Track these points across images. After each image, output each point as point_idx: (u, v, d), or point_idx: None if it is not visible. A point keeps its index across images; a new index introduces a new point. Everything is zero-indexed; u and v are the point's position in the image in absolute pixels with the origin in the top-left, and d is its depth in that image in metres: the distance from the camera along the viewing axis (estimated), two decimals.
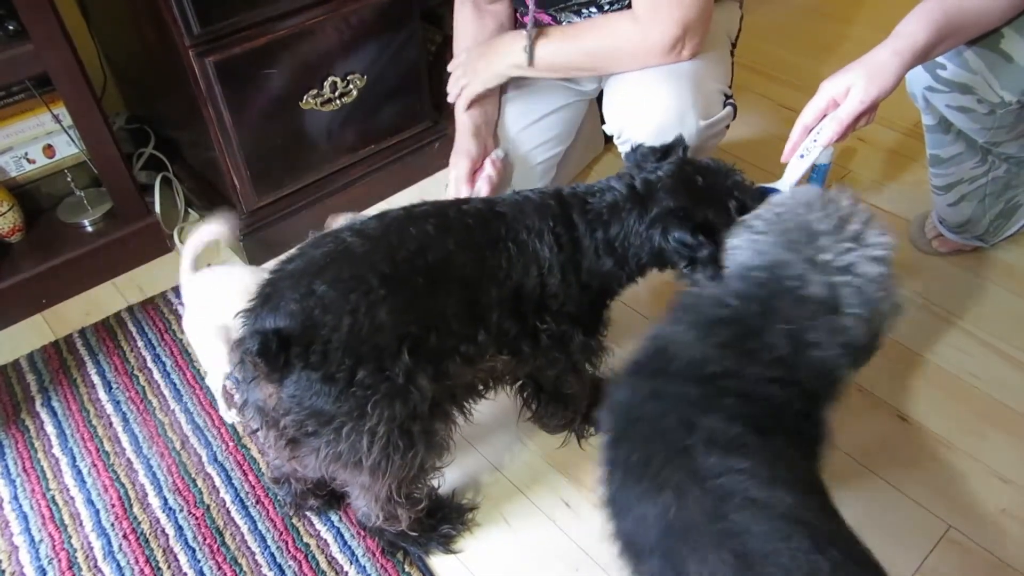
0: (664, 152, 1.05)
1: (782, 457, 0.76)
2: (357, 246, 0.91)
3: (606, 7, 1.23)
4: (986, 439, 1.25)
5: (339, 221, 1.06)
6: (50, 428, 1.32)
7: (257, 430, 0.96)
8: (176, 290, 1.56)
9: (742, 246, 0.86)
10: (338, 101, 1.55)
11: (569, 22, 1.28)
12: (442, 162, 1.80)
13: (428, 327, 0.91)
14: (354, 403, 0.86)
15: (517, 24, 1.42)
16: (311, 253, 0.92)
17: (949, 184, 1.39)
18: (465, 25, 1.40)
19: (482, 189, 1.31)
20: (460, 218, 0.98)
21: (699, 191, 0.99)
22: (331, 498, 1.17)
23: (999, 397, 1.30)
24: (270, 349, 0.83)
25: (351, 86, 1.56)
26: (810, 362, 0.79)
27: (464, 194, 1.31)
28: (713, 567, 0.67)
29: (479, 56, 1.32)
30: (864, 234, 0.82)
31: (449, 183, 1.35)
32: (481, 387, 1.07)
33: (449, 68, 1.38)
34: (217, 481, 1.23)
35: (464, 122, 1.36)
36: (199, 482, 1.23)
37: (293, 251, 0.95)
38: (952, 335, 1.41)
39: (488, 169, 1.33)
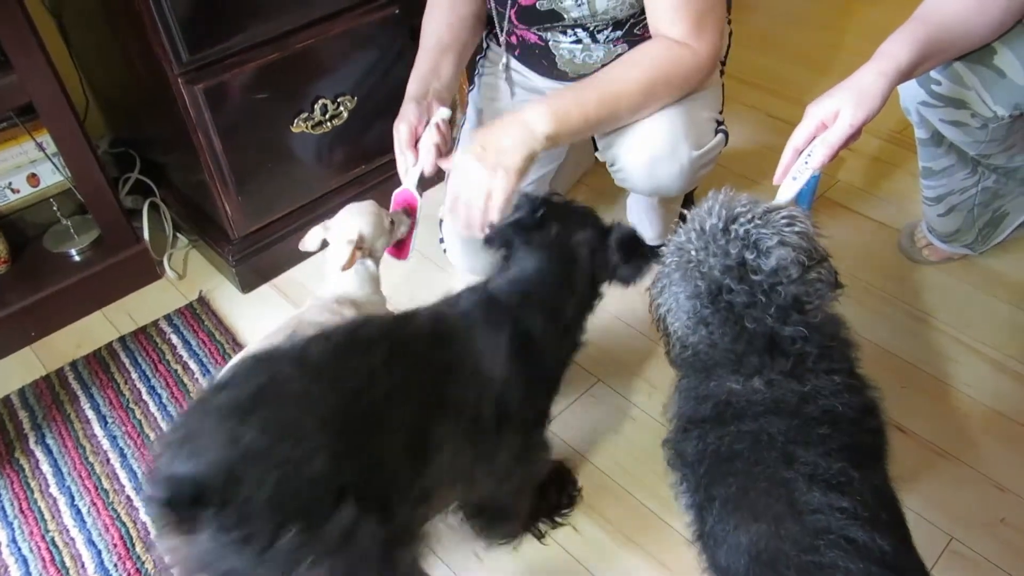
0: (532, 212, 1.02)
1: (883, 497, 0.77)
2: (294, 379, 0.82)
3: (592, 29, 1.23)
4: (982, 448, 1.26)
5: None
6: (46, 467, 1.29)
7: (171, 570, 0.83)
8: (168, 318, 1.54)
9: (675, 292, 0.87)
10: (329, 123, 1.54)
11: (555, 41, 1.27)
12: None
13: (371, 473, 0.82)
14: (279, 564, 0.75)
15: (496, 38, 1.39)
16: (243, 386, 0.80)
17: (940, 196, 1.41)
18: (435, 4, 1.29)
19: (426, 158, 1.17)
20: (408, 345, 0.91)
21: (573, 216, 1.04)
22: None
23: (992, 405, 1.32)
24: (183, 500, 0.72)
25: (342, 108, 1.54)
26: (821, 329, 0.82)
27: (410, 162, 1.19)
28: None
29: (492, 137, 1.09)
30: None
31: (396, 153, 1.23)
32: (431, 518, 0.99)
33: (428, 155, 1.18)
34: None
35: (411, 87, 1.23)
36: None
37: (225, 372, 0.86)
38: (944, 344, 1.43)
39: (430, 136, 1.17)
